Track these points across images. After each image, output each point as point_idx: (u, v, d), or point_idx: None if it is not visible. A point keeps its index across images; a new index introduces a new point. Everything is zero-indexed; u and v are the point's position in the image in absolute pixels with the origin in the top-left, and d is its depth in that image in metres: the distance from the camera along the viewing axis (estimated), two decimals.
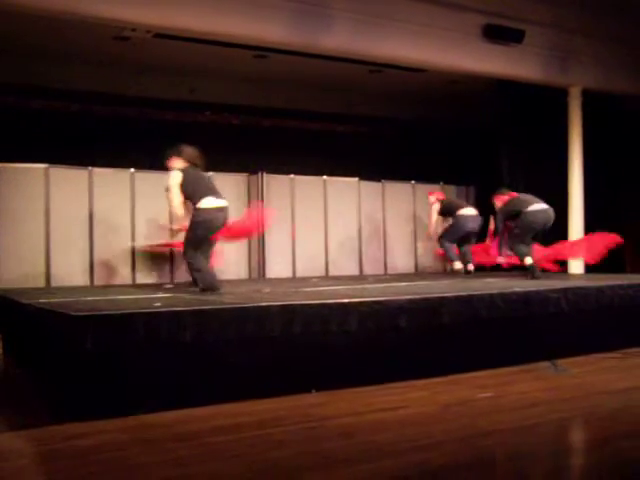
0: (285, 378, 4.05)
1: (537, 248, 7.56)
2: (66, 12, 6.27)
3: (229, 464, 2.87)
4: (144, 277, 8.37)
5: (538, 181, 9.27)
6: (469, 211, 8.51)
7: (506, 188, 8.04)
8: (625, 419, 3.57)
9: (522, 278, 7.11)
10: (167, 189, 5.79)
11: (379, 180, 10.19)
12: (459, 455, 2.97)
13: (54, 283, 7.85)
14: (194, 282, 6.01)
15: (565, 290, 5.35)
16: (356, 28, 7.49)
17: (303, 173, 9.61)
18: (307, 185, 9.61)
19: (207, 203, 5.71)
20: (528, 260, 7.12)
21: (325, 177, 9.76)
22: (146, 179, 8.24)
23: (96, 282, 8.09)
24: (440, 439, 3.19)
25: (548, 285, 5.62)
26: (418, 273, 9.93)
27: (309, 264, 9.51)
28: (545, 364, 4.82)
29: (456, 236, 8.42)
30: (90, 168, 8.29)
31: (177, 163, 5.85)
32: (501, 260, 7.83)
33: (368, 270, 9.89)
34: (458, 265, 8.36)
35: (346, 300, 4.45)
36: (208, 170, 8.84)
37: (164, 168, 6.06)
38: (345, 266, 9.75)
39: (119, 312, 3.86)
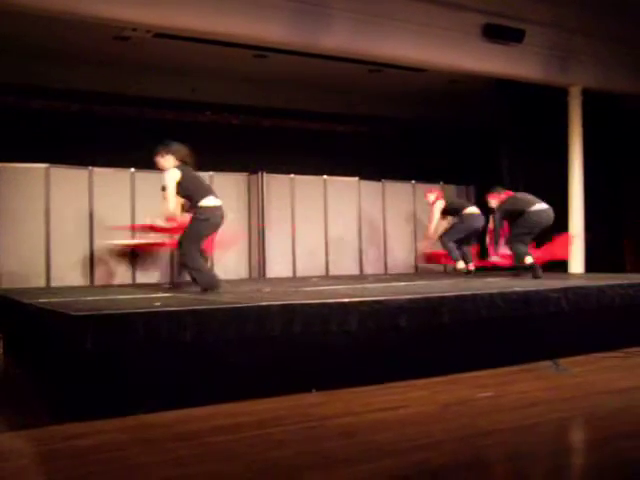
0: (285, 378, 4.05)
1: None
2: (66, 12, 6.27)
3: (229, 464, 2.87)
4: (144, 277, 8.37)
5: (538, 181, 9.27)
6: (475, 210, 8.47)
7: (501, 187, 8.00)
8: (626, 419, 3.56)
9: (523, 278, 7.10)
10: (164, 187, 5.74)
11: (379, 180, 10.19)
12: (459, 455, 2.97)
13: (54, 283, 7.86)
14: (194, 282, 6.01)
15: (565, 290, 5.35)
16: (356, 28, 7.49)
17: (303, 173, 9.61)
18: (307, 185, 9.61)
19: (210, 202, 5.72)
20: (529, 259, 7.11)
21: (325, 177, 9.76)
22: (146, 179, 8.24)
23: (96, 282, 8.09)
24: (440, 439, 3.18)
25: (548, 285, 5.61)
26: (418, 273, 9.93)
27: (309, 264, 9.51)
28: (546, 364, 4.82)
29: (461, 235, 8.37)
30: (90, 168, 8.30)
31: (169, 161, 5.76)
32: (495, 259, 7.77)
33: (368, 270, 9.89)
34: (461, 265, 8.35)
35: (346, 300, 4.45)
36: (208, 170, 8.94)
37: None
38: (345, 266, 9.75)
39: (119, 312, 3.86)
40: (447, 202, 8.65)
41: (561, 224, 9.17)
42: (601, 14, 8.93)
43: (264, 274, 9.10)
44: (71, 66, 8.62)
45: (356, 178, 9.96)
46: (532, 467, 2.92)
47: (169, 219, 5.98)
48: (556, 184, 9.35)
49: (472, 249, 8.57)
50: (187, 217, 5.88)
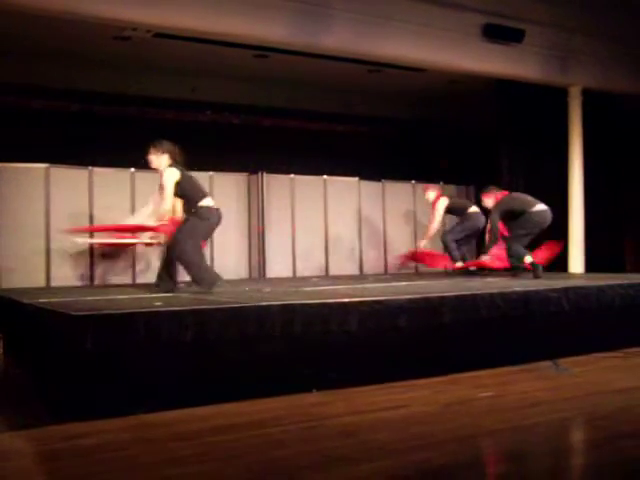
0: (285, 378, 4.05)
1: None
2: (66, 12, 6.27)
3: (229, 464, 2.87)
4: (145, 277, 8.36)
5: (538, 181, 9.28)
6: (477, 209, 8.39)
7: (495, 186, 7.95)
8: (626, 419, 3.56)
9: (523, 277, 7.10)
10: (161, 187, 5.72)
11: (379, 180, 10.18)
12: (460, 454, 2.97)
13: (54, 283, 7.85)
14: (194, 281, 6.01)
15: (566, 290, 5.35)
16: (356, 28, 7.49)
17: (303, 173, 9.61)
18: (307, 185, 9.61)
19: (209, 202, 5.73)
20: (529, 259, 7.11)
21: (325, 177, 9.75)
22: (146, 179, 8.21)
23: (96, 282, 8.09)
24: (441, 438, 3.18)
25: (549, 285, 5.61)
26: (418, 273, 9.93)
27: (309, 264, 9.51)
28: (546, 364, 4.82)
29: (464, 234, 8.29)
30: (90, 168, 8.29)
31: (163, 160, 5.72)
32: (485, 259, 7.71)
33: (368, 270, 9.89)
34: (460, 264, 8.33)
35: (346, 300, 4.45)
36: (208, 170, 8.94)
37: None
38: (345, 266, 9.75)
39: (119, 312, 3.86)
40: (452, 200, 8.52)
41: (561, 224, 9.19)
42: (601, 14, 8.93)
43: (264, 274, 9.10)
44: (71, 66, 8.62)
45: (356, 178, 9.96)
46: (533, 467, 2.92)
47: (161, 219, 5.94)
48: (556, 184, 9.35)
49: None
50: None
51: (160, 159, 5.72)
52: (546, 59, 8.86)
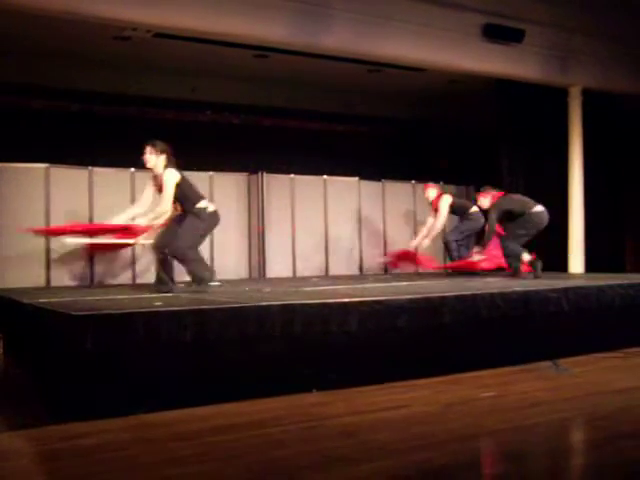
0: (285, 378, 4.05)
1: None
2: (66, 12, 6.27)
3: (230, 464, 2.86)
4: (145, 277, 8.36)
5: (538, 181, 9.28)
6: (477, 209, 8.34)
7: (491, 186, 7.92)
8: (626, 419, 3.56)
9: (523, 278, 7.09)
10: (160, 187, 5.70)
11: (379, 180, 10.18)
12: (460, 454, 2.97)
13: (54, 283, 7.85)
14: (193, 281, 6.02)
15: (566, 290, 5.35)
16: (356, 28, 7.49)
17: (303, 173, 9.60)
18: (307, 185, 9.60)
19: (205, 204, 5.80)
20: (526, 257, 7.12)
21: (325, 177, 9.75)
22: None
23: (96, 282, 8.08)
24: (442, 438, 3.18)
25: (549, 285, 5.61)
26: (418, 273, 9.92)
27: (309, 264, 9.50)
28: (546, 364, 4.82)
29: (465, 235, 8.27)
30: (90, 168, 8.28)
31: (160, 160, 5.70)
32: (477, 258, 7.66)
33: (368, 270, 9.88)
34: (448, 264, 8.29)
35: (347, 300, 4.45)
36: (208, 170, 8.94)
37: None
38: (345, 266, 9.75)
39: (119, 312, 3.85)
40: (455, 200, 8.41)
41: (561, 224, 9.20)
42: (601, 14, 8.94)
43: (264, 274, 9.09)
44: (71, 66, 8.62)
45: (356, 178, 9.96)
46: (533, 467, 2.92)
47: (158, 219, 5.89)
48: (556, 184, 9.35)
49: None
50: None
51: (158, 159, 5.71)
52: (546, 59, 8.86)
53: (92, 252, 7.62)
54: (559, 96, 9.35)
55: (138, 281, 8.23)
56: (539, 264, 7.08)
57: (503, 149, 9.68)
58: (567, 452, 3.19)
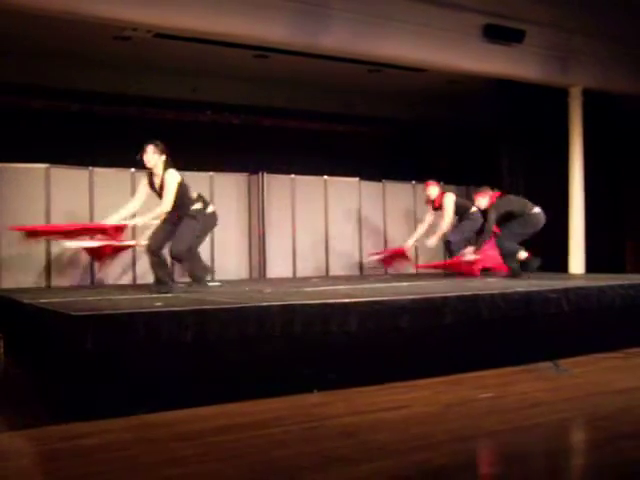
0: (286, 378, 4.05)
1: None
2: (66, 12, 6.26)
3: (230, 464, 2.86)
4: (146, 277, 8.36)
5: (538, 181, 9.27)
6: (476, 209, 8.30)
7: (489, 187, 7.89)
8: (626, 419, 3.56)
9: (523, 278, 7.09)
10: (165, 187, 5.70)
11: (379, 180, 10.18)
12: (460, 455, 2.97)
13: (54, 283, 7.85)
14: (193, 281, 6.03)
15: (566, 290, 5.35)
16: (356, 28, 7.48)
17: (303, 173, 9.60)
18: (308, 185, 9.60)
19: (199, 205, 5.98)
20: (523, 254, 7.14)
21: (326, 177, 9.75)
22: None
23: (96, 282, 8.08)
24: (442, 439, 3.18)
25: (549, 285, 5.61)
26: (418, 273, 9.92)
27: (310, 264, 9.50)
28: (546, 364, 4.82)
29: (468, 234, 8.22)
30: (91, 168, 8.28)
31: (161, 160, 5.70)
32: (470, 257, 7.62)
33: (368, 270, 9.87)
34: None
35: (347, 300, 4.45)
36: (208, 170, 8.94)
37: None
38: (346, 266, 9.74)
39: (120, 312, 3.86)
40: (457, 200, 8.29)
41: (562, 224, 9.19)
42: (601, 14, 8.93)
43: (264, 274, 9.09)
44: (71, 66, 8.61)
45: (356, 178, 9.96)
46: (533, 467, 2.92)
47: (158, 218, 5.89)
48: (556, 184, 9.34)
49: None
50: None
51: (159, 160, 5.72)
52: (546, 59, 8.86)
53: (99, 258, 7.09)
54: (559, 96, 9.34)
55: (139, 281, 8.24)
56: (535, 263, 7.09)
57: (503, 149, 9.68)
58: (567, 452, 3.19)
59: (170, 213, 5.69)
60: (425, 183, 8.60)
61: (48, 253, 7.86)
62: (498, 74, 8.85)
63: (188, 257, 6.02)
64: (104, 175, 8.31)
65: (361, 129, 10.76)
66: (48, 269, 7.90)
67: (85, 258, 7.96)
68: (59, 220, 7.79)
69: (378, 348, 4.43)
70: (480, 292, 5.02)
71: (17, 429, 3.39)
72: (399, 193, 10.29)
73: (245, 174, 9.34)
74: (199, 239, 6.92)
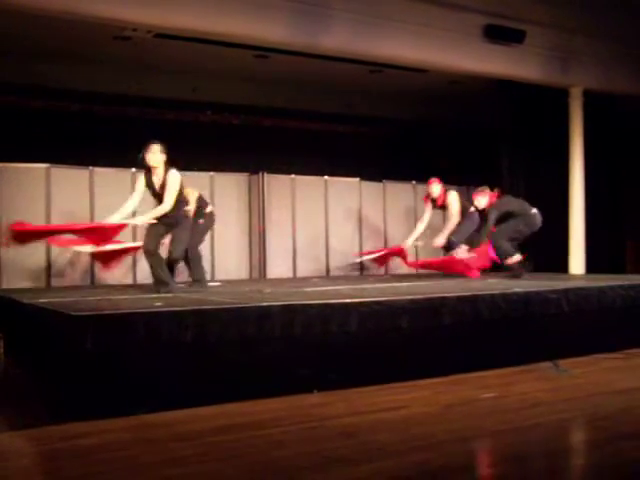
0: (286, 378, 4.05)
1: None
2: (66, 12, 6.26)
3: (230, 464, 2.86)
4: (146, 277, 8.35)
5: (539, 181, 9.28)
6: (474, 209, 8.26)
7: (488, 187, 7.86)
8: (627, 419, 3.56)
9: (523, 278, 7.09)
10: (167, 187, 5.71)
11: (380, 180, 10.18)
12: (460, 455, 2.97)
13: (54, 283, 7.85)
14: (194, 281, 6.03)
15: (566, 291, 5.35)
16: (357, 28, 7.48)
17: (304, 173, 9.61)
18: (308, 185, 9.61)
19: (193, 206, 6.07)
20: (516, 257, 7.15)
21: (326, 177, 9.75)
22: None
23: (96, 282, 8.08)
24: (442, 439, 3.18)
25: (549, 286, 5.61)
26: (419, 273, 9.92)
27: (310, 264, 9.50)
28: (547, 365, 4.82)
29: (467, 235, 8.20)
30: (91, 168, 8.29)
31: (163, 160, 5.73)
32: (463, 257, 7.57)
33: (368, 270, 9.87)
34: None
35: (347, 300, 4.44)
36: (208, 170, 8.94)
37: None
38: (346, 266, 9.74)
39: (120, 312, 3.85)
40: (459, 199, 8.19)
41: (562, 225, 9.19)
42: (602, 14, 8.93)
43: (264, 275, 9.10)
44: (71, 66, 8.61)
45: (357, 179, 9.96)
46: (533, 468, 2.91)
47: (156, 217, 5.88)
48: (557, 185, 9.35)
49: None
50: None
51: (164, 160, 5.75)
52: (547, 60, 8.86)
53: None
54: (560, 97, 9.34)
55: (139, 282, 8.24)
56: (528, 265, 7.10)
57: (504, 150, 9.68)
58: (567, 453, 3.18)
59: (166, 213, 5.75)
60: (428, 180, 8.53)
61: (48, 253, 7.86)
62: (499, 74, 8.85)
63: (189, 257, 6.25)
64: (104, 175, 8.32)
65: (362, 129, 10.76)
66: (48, 269, 7.90)
67: (85, 259, 7.97)
68: (59, 220, 7.80)
69: (378, 348, 4.43)
70: (480, 292, 5.02)
71: (17, 429, 3.39)
72: (399, 193, 10.29)
73: (245, 174, 9.34)
74: (199, 239, 6.95)
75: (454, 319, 4.71)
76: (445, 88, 9.98)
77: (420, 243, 8.42)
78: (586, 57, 9.15)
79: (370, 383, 4.18)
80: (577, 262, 9.25)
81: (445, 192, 8.23)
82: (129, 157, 8.32)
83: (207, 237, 7.62)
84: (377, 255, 8.97)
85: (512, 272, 7.32)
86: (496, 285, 6.13)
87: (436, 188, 8.24)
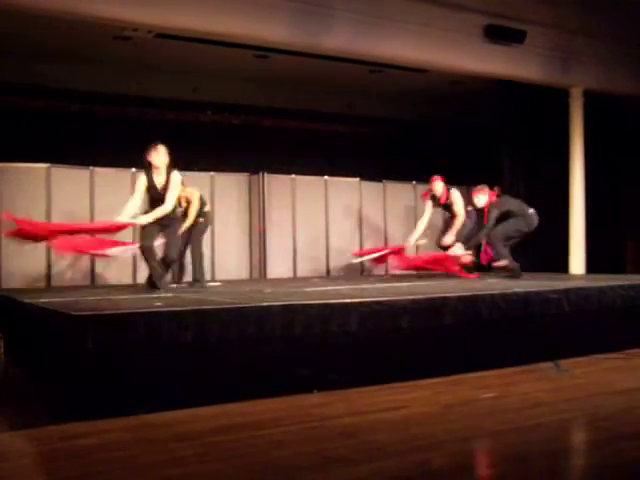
0: (286, 378, 4.04)
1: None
2: (66, 12, 6.27)
3: (230, 464, 2.86)
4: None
5: (539, 181, 9.28)
6: (471, 208, 8.24)
7: (488, 186, 7.83)
8: (627, 420, 3.55)
9: (524, 279, 7.09)
10: (169, 188, 5.71)
11: (380, 180, 10.18)
12: (460, 455, 2.96)
13: (54, 283, 7.84)
14: (194, 280, 6.03)
15: (566, 291, 5.34)
16: (357, 28, 7.48)
17: (304, 173, 9.61)
18: (308, 185, 9.61)
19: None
20: (504, 262, 7.21)
21: (326, 177, 9.75)
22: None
23: (97, 282, 8.08)
24: (442, 439, 3.18)
25: (549, 286, 5.60)
26: (419, 273, 9.91)
27: (310, 264, 9.50)
28: (547, 365, 4.81)
29: (466, 235, 8.17)
30: (91, 168, 8.29)
31: (166, 163, 5.78)
32: (459, 253, 7.54)
33: (368, 270, 9.87)
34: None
35: (348, 300, 4.44)
36: (209, 170, 8.94)
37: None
38: (346, 266, 9.74)
39: (120, 312, 3.85)
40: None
41: (562, 225, 9.19)
42: (602, 15, 8.93)
43: (265, 275, 9.10)
44: (71, 66, 8.61)
45: (357, 179, 9.96)
46: (534, 468, 2.91)
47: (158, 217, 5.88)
48: (557, 185, 9.35)
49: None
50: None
51: (167, 161, 5.79)
52: (548, 60, 8.86)
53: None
54: (560, 97, 9.35)
55: (139, 282, 8.23)
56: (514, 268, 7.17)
57: (504, 150, 9.68)
58: (568, 453, 3.18)
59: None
60: (431, 178, 8.48)
61: (49, 253, 7.85)
62: (499, 74, 8.86)
63: (197, 255, 6.72)
64: (104, 175, 8.32)
65: (362, 129, 10.76)
66: (48, 269, 7.90)
67: (85, 259, 7.97)
68: (60, 220, 7.79)
69: (378, 348, 4.43)
70: (480, 292, 5.02)
71: (17, 429, 3.39)
72: (399, 193, 10.30)
73: (246, 174, 9.34)
74: (200, 238, 6.98)
75: (454, 319, 4.71)
76: (446, 88, 9.97)
77: (423, 242, 8.36)
78: (586, 57, 9.15)
79: (370, 383, 4.18)
80: (577, 262, 9.25)
81: (447, 190, 8.21)
82: (129, 157, 8.36)
83: (207, 237, 7.63)
84: (377, 255, 8.94)
85: (512, 273, 7.31)
86: (496, 285, 6.13)
87: (439, 186, 8.20)
